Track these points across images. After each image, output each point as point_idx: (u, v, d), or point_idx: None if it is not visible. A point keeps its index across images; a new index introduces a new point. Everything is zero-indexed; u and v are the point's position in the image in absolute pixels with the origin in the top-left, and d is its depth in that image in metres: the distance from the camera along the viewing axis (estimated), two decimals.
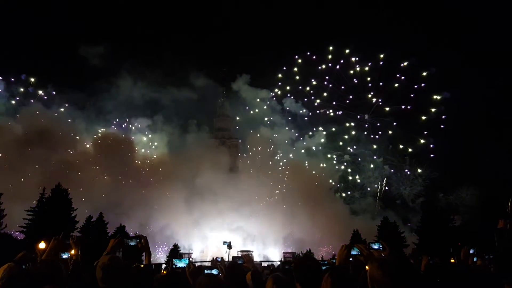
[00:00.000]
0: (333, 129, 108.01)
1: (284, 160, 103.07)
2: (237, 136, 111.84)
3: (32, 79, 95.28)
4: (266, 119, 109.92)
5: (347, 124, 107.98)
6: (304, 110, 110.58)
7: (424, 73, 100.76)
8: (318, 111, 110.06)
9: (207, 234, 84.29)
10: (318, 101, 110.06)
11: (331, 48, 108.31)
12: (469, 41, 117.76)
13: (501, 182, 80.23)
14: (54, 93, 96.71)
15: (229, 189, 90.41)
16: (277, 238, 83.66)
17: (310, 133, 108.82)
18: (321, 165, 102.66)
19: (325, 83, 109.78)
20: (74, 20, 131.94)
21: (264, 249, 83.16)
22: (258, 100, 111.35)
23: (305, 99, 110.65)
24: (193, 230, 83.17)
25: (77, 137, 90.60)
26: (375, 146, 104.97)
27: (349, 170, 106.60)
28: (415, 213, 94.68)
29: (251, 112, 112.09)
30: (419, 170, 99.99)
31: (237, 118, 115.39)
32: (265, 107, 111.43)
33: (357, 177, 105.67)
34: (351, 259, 5.32)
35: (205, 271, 5.23)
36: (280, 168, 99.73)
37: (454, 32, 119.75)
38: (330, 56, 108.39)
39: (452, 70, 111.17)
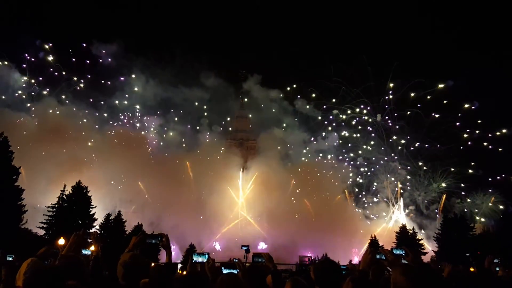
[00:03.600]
0: (345, 133, 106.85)
1: (296, 161, 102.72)
2: (254, 137, 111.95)
3: (46, 46, 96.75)
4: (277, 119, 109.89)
5: (359, 127, 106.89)
6: (320, 115, 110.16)
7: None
8: (329, 113, 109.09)
9: (218, 235, 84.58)
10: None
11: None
12: None
13: None
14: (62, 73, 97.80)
15: (241, 190, 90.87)
16: (291, 241, 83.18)
17: (323, 134, 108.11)
18: (334, 167, 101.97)
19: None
20: (87, 18, 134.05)
21: (278, 252, 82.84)
22: (269, 100, 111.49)
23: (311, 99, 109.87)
24: (204, 231, 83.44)
25: (90, 137, 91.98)
26: (382, 148, 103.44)
27: (359, 177, 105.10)
28: (430, 220, 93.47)
29: (258, 113, 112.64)
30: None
31: (251, 116, 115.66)
32: (273, 110, 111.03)
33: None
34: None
35: (224, 270, 5.23)
36: (292, 169, 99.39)
37: None
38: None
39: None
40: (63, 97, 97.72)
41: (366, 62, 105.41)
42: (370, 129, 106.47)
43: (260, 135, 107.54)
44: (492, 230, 71.08)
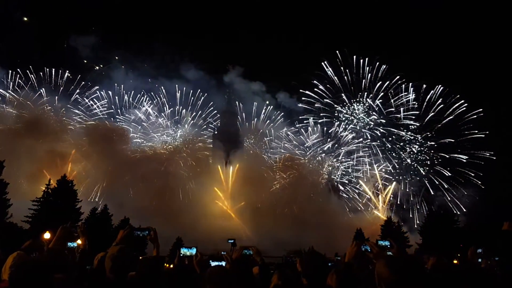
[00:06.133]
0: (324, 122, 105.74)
1: (279, 155, 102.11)
2: (241, 132, 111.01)
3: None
4: (262, 114, 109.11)
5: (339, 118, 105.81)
6: (300, 105, 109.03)
7: None
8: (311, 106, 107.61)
9: (202, 229, 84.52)
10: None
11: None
12: None
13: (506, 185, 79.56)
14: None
15: (226, 184, 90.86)
16: (275, 234, 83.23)
17: (307, 127, 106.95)
18: (317, 160, 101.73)
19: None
20: (65, 9, 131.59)
21: (261, 246, 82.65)
22: (251, 93, 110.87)
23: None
24: (187, 224, 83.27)
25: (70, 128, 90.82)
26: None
27: (342, 170, 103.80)
28: (411, 212, 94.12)
29: (241, 105, 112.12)
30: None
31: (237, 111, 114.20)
32: (255, 103, 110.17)
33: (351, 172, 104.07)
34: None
35: (212, 263, 5.29)
36: (275, 162, 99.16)
37: None
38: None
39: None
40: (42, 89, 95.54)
41: (347, 54, 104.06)
42: (353, 123, 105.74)
43: (242, 128, 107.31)
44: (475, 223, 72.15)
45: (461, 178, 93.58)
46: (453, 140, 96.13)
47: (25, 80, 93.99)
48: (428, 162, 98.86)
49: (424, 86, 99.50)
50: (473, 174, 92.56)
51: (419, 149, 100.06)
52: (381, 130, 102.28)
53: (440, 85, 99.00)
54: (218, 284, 3.80)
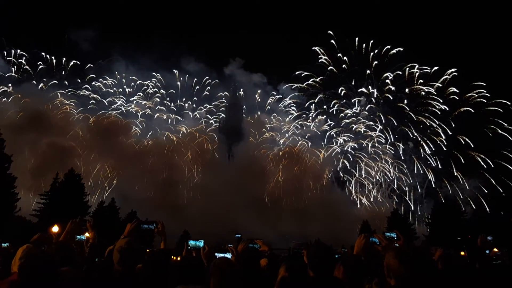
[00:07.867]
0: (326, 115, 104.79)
1: (283, 147, 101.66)
2: (245, 125, 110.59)
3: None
4: (268, 106, 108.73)
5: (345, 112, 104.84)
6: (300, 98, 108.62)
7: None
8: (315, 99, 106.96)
9: (208, 222, 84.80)
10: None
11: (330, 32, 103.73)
12: None
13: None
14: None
15: (228, 177, 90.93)
16: (279, 227, 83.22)
17: (310, 118, 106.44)
18: (321, 152, 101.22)
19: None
20: (65, 3, 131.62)
21: (266, 239, 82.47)
22: (253, 84, 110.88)
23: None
24: (193, 218, 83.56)
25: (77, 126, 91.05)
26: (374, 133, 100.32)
27: (346, 162, 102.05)
28: (417, 204, 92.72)
29: (244, 98, 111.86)
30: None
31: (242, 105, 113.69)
32: (258, 91, 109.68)
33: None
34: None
35: (217, 255, 5.32)
36: (279, 155, 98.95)
37: None
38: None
39: None
40: (43, 85, 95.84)
41: (348, 43, 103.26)
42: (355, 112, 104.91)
43: (246, 121, 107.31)
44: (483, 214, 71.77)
45: (476, 179, 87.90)
46: (470, 141, 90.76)
47: (27, 76, 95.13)
48: (439, 162, 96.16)
49: (436, 68, 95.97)
50: (493, 181, 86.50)
51: (428, 149, 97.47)
52: (387, 128, 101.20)
53: (454, 69, 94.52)
54: (223, 276, 3.80)
